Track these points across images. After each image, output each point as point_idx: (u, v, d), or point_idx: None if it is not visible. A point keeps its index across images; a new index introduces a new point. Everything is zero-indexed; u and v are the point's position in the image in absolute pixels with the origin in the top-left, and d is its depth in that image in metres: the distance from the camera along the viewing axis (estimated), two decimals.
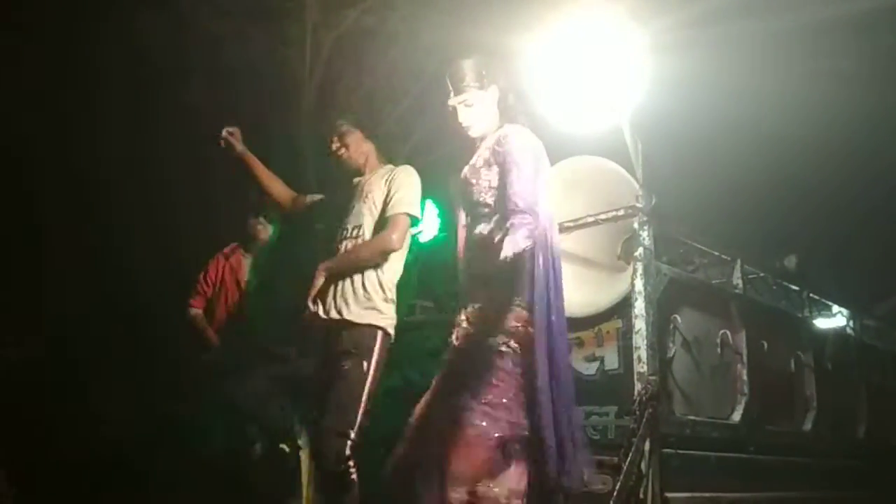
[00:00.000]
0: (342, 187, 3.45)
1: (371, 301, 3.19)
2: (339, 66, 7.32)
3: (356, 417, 3.06)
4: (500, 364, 2.63)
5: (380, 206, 3.28)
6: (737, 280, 4.08)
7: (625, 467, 2.98)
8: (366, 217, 3.28)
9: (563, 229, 3.44)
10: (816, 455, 4.33)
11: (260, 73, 6.96)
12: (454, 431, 2.58)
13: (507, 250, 2.58)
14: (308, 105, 7.23)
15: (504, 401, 2.60)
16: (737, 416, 3.82)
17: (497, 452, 2.55)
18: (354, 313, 3.17)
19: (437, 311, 5.95)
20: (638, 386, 3.23)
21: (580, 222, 3.72)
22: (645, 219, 3.42)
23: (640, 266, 3.36)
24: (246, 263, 4.67)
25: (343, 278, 3.20)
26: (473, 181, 2.85)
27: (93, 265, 6.11)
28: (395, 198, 3.23)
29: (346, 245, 3.28)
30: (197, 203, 6.20)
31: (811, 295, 4.80)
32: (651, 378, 3.22)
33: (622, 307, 3.56)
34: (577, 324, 3.59)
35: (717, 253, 4.09)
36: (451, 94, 2.85)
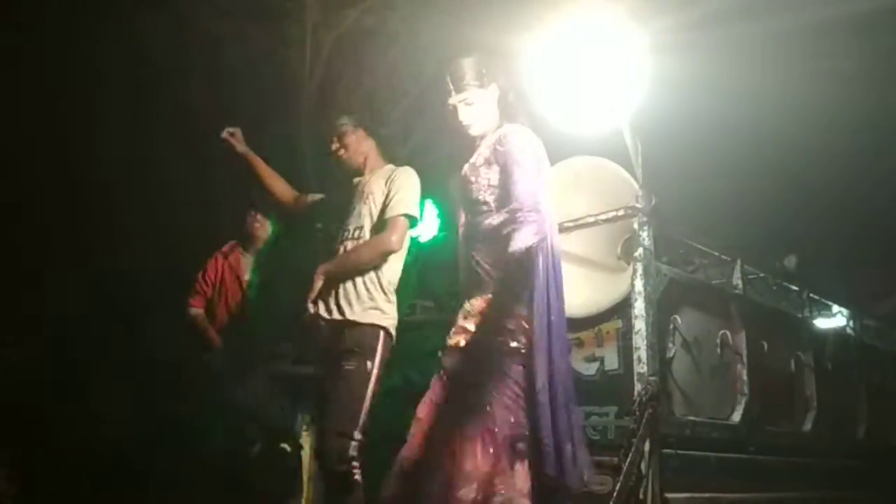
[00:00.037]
0: (342, 187, 3.45)
1: (374, 301, 3.20)
2: (339, 66, 7.30)
3: (359, 417, 3.06)
4: (500, 364, 2.63)
5: (379, 207, 3.28)
6: (737, 280, 4.08)
7: (625, 468, 2.98)
8: (367, 218, 3.29)
9: (563, 229, 3.44)
10: (816, 455, 4.33)
11: (260, 73, 6.95)
12: (458, 431, 2.57)
13: (517, 244, 2.58)
14: (308, 105, 7.21)
15: (505, 401, 2.59)
16: (737, 417, 3.82)
17: (502, 452, 2.55)
18: (357, 313, 3.17)
19: (437, 311, 5.96)
20: (638, 386, 3.23)
21: (580, 222, 3.71)
22: (645, 219, 3.42)
23: (640, 266, 3.37)
24: (245, 262, 4.64)
25: (342, 280, 3.20)
26: (473, 179, 2.85)
27: (93, 265, 6.10)
28: (394, 199, 3.24)
29: (347, 246, 3.28)
30: (197, 203, 6.20)
31: (811, 295, 4.79)
32: (651, 378, 3.22)
33: (622, 307, 3.55)
34: (577, 324, 3.58)
35: (717, 253, 4.09)
36: (452, 93, 2.85)
